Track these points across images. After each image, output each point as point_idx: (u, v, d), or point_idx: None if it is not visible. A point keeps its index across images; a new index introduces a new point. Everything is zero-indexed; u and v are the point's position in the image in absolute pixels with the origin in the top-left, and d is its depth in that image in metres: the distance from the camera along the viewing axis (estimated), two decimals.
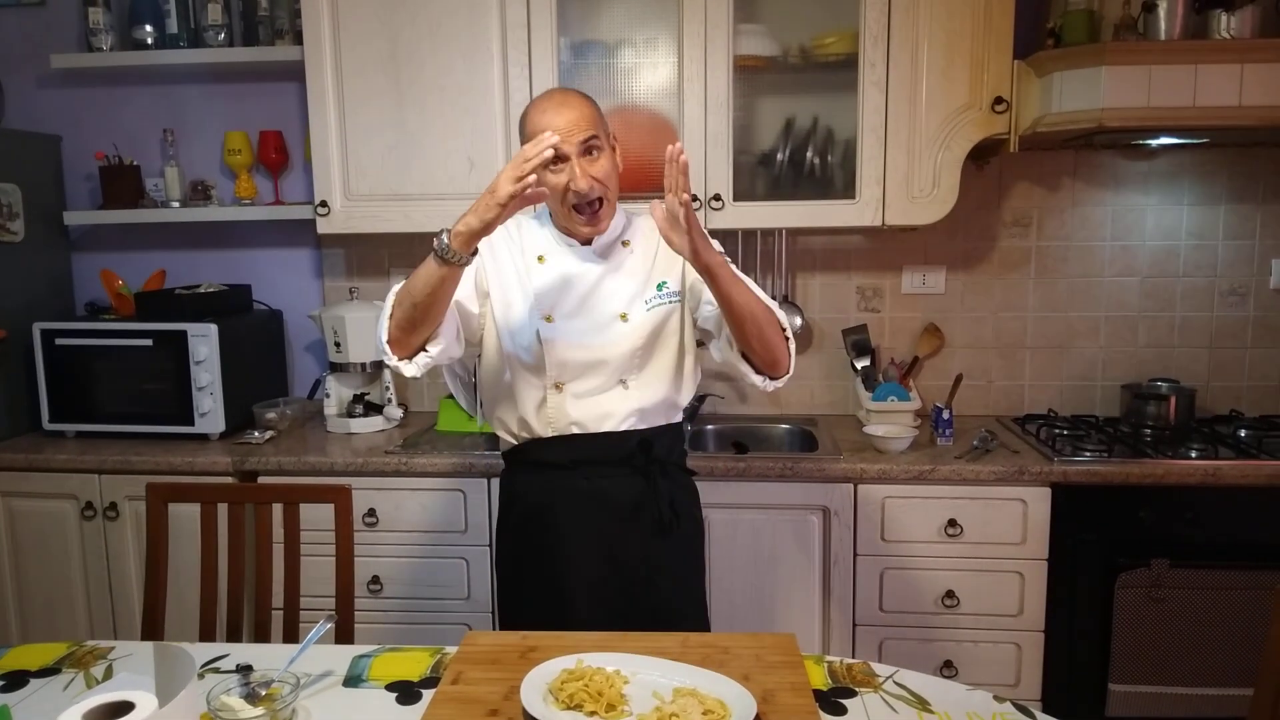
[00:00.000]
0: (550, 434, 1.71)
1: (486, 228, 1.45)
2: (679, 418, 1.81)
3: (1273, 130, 2.30)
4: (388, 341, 1.56)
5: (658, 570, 1.73)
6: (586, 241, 1.72)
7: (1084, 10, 2.31)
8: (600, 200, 1.64)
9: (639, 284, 1.71)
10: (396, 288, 1.57)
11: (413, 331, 1.55)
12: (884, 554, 2.31)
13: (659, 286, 1.72)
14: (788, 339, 1.63)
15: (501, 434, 1.79)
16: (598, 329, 1.68)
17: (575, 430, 1.70)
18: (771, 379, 1.65)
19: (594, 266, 1.71)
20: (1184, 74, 2.16)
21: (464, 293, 1.65)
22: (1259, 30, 2.21)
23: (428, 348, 1.59)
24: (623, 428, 1.70)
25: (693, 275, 1.71)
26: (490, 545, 2.36)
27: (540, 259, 1.72)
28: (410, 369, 1.59)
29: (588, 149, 1.60)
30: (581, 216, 1.64)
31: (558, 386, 1.69)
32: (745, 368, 1.65)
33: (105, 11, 2.74)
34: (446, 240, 1.46)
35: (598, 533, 1.70)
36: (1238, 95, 2.17)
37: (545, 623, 1.60)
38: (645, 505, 1.71)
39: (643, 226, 1.77)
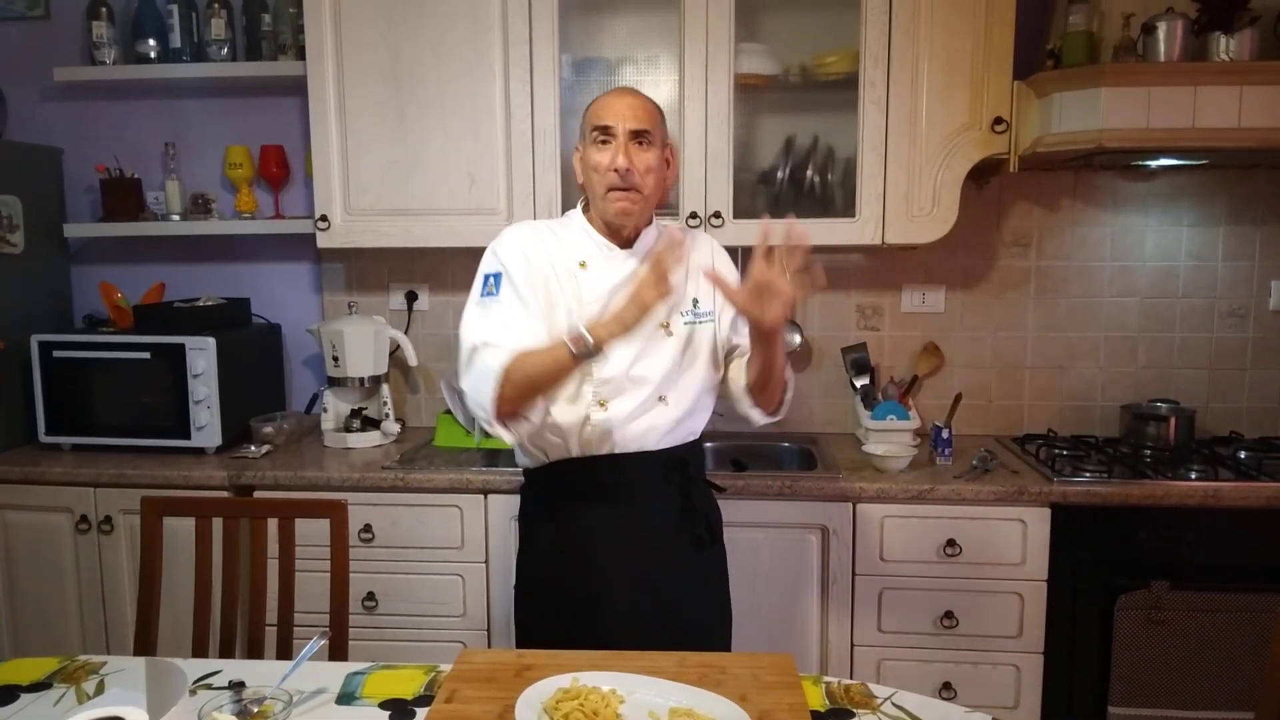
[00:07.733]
0: (589, 453, 1.67)
1: (627, 330, 1.49)
2: (698, 435, 1.80)
3: (1272, 152, 2.31)
4: (498, 416, 1.55)
5: (693, 589, 1.72)
6: (626, 245, 1.70)
7: (1083, 32, 2.33)
8: (636, 189, 1.63)
9: (676, 295, 1.68)
10: (486, 352, 1.56)
11: (527, 406, 1.57)
12: (882, 574, 2.29)
13: (694, 303, 1.72)
14: (786, 389, 1.75)
15: (533, 450, 1.72)
16: (642, 338, 1.65)
17: (617, 450, 1.66)
18: (765, 414, 1.77)
19: (635, 272, 1.68)
20: (1183, 95, 2.18)
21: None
22: (1258, 53, 2.23)
23: (530, 416, 1.59)
24: (662, 445, 1.69)
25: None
26: (485, 562, 2.35)
27: (582, 264, 1.68)
28: (511, 436, 1.59)
29: (637, 139, 1.63)
30: (614, 195, 1.63)
31: (601, 404, 1.65)
32: (747, 402, 1.76)
33: (109, 25, 2.75)
34: (590, 341, 1.47)
35: (637, 553, 1.68)
36: (1237, 117, 2.18)
37: (576, 645, 1.55)
38: (684, 524, 1.71)
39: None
